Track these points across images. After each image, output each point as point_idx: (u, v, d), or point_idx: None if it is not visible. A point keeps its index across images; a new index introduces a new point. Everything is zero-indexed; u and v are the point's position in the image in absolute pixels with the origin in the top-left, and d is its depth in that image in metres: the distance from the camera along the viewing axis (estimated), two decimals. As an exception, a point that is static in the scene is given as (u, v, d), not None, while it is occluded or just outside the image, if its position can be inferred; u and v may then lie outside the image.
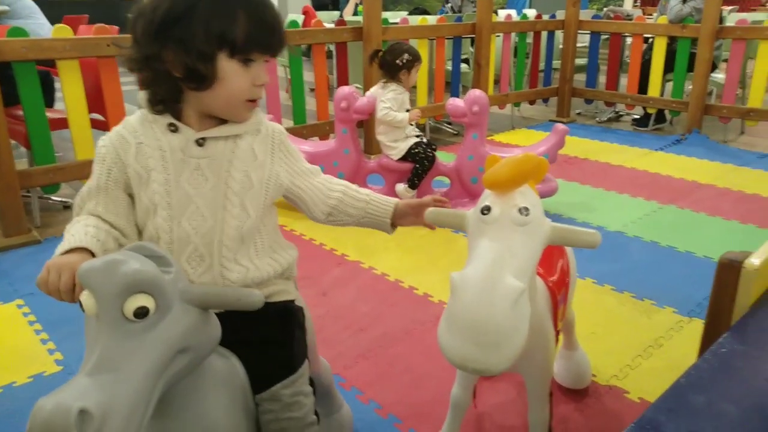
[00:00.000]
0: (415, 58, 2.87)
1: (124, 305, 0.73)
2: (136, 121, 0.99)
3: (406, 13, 6.92)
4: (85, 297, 0.75)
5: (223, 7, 0.90)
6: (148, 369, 0.73)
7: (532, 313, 1.06)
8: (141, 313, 0.74)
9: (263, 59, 0.96)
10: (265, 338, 1.01)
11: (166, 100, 0.97)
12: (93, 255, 0.88)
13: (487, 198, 0.96)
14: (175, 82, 0.93)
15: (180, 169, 0.96)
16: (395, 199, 1.15)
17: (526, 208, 0.92)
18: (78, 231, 0.91)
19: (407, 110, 2.86)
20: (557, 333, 1.27)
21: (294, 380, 1.02)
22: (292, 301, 1.10)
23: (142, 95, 0.98)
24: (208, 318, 0.84)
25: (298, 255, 1.14)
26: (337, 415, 1.38)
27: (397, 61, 2.82)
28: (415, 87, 4.23)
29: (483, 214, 0.94)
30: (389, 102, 2.79)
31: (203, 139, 0.97)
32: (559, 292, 1.24)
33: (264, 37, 0.94)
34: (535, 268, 0.95)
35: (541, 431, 1.26)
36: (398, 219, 1.14)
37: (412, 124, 2.90)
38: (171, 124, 0.96)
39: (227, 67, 0.92)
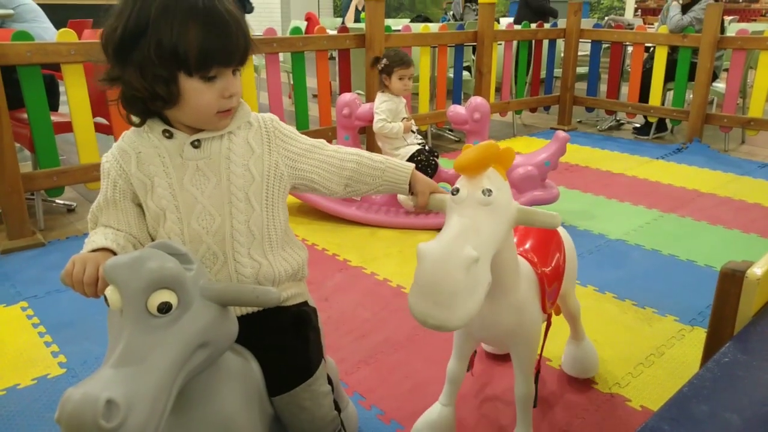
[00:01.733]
0: (395, 62, 2.82)
1: (148, 300, 0.76)
2: (133, 133, 1.01)
3: (408, 20, 6.95)
4: (110, 291, 0.77)
5: (171, 26, 0.88)
6: (170, 362, 0.75)
7: (516, 293, 1.20)
8: (164, 308, 0.76)
9: (228, 71, 0.94)
10: (282, 344, 1.03)
11: (141, 116, 0.98)
12: (115, 255, 0.90)
13: (459, 181, 1.07)
14: (142, 100, 0.94)
15: (181, 172, 0.98)
16: (411, 165, 1.17)
17: (489, 190, 1.02)
18: (98, 237, 0.94)
19: (403, 119, 2.86)
20: (549, 317, 1.42)
21: (311, 383, 1.04)
22: (305, 303, 1.11)
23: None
24: (226, 314, 0.86)
25: (308, 256, 1.15)
26: (343, 414, 1.39)
27: (379, 66, 2.83)
28: (416, 94, 4.25)
29: (453, 194, 1.06)
30: (383, 114, 2.79)
31: (198, 141, 0.98)
32: (550, 283, 1.33)
33: (220, 51, 0.91)
34: (500, 243, 1.04)
35: (525, 404, 1.36)
36: (414, 188, 1.15)
37: (413, 131, 2.91)
38: (165, 131, 0.98)
39: (188, 85, 0.91)
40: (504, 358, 1.82)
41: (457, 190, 1.05)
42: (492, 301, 1.01)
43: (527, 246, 1.36)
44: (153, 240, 1.01)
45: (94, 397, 0.66)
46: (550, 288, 1.33)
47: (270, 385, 1.02)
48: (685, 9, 4.37)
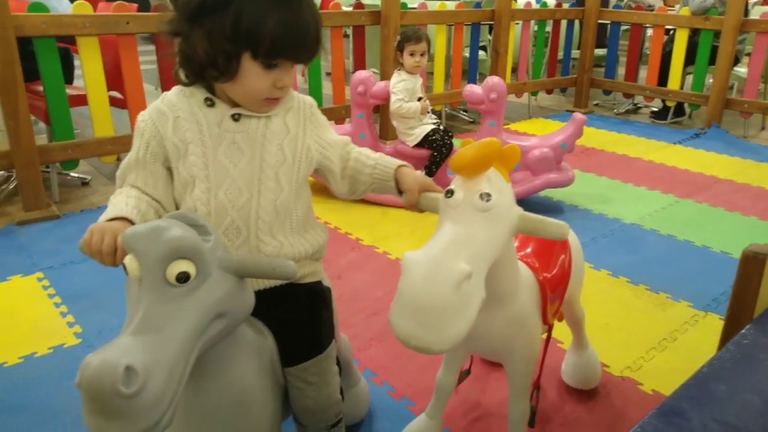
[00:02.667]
0: (406, 38, 2.79)
1: (166, 270, 0.76)
2: (174, 95, 1.00)
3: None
4: (129, 260, 0.77)
5: (255, 10, 0.88)
6: (187, 331, 0.76)
7: (514, 304, 1.08)
8: (182, 278, 0.77)
9: (290, 64, 0.96)
10: (296, 318, 1.03)
11: (191, 77, 0.98)
12: (133, 224, 0.90)
13: (454, 182, 0.96)
14: (199, 64, 0.94)
15: (217, 142, 0.97)
16: (399, 163, 1.09)
17: (488, 194, 0.91)
18: (120, 201, 0.94)
19: (419, 98, 2.84)
20: (550, 327, 1.27)
21: (321, 359, 1.04)
22: (320, 282, 1.11)
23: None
24: (243, 286, 0.87)
25: (327, 238, 1.14)
26: (354, 389, 1.41)
27: (395, 45, 2.81)
28: (431, 73, 4.21)
29: (446, 197, 0.94)
30: (401, 93, 2.76)
31: (238, 114, 0.98)
32: (553, 289, 1.21)
33: (291, 46, 0.92)
34: (497, 254, 0.93)
35: (518, 425, 1.23)
36: (402, 186, 1.07)
37: (428, 112, 2.89)
38: (207, 99, 0.98)
39: (248, 66, 0.92)
40: (500, 365, 1.78)
41: (452, 193, 0.93)
42: (486, 312, 0.91)
43: (528, 250, 1.25)
44: (177, 206, 1.01)
45: (114, 363, 0.67)
46: (553, 295, 1.22)
47: (282, 357, 1.03)
48: (708, -10, 4.27)
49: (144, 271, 0.76)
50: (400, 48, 2.81)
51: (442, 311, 0.82)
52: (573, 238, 1.38)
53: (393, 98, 2.76)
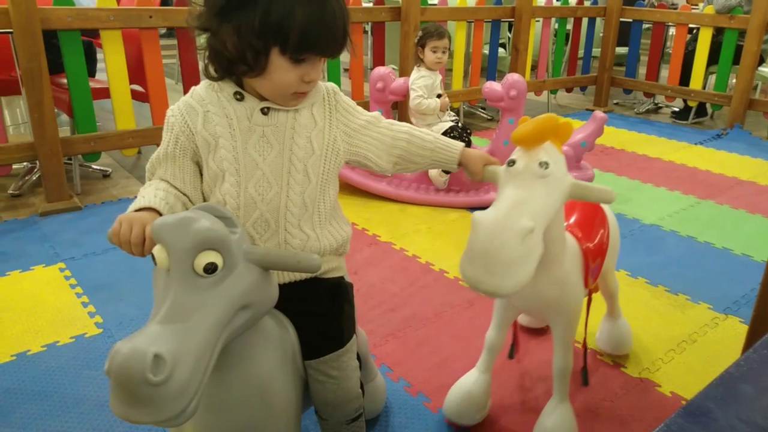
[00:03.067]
0: (428, 34, 2.77)
1: (194, 260, 0.77)
2: (203, 90, 1.01)
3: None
4: (158, 250, 0.79)
5: (283, 4, 0.88)
6: (214, 321, 0.77)
7: (560, 266, 1.18)
8: (210, 268, 0.78)
9: (318, 58, 0.96)
10: (318, 312, 1.04)
11: (220, 72, 0.98)
12: (160, 216, 0.91)
13: (515, 153, 1.06)
14: (228, 59, 0.94)
15: (247, 136, 0.98)
16: (460, 145, 1.16)
17: (546, 163, 1.02)
18: (149, 193, 0.95)
19: (439, 95, 2.83)
20: (589, 293, 1.42)
21: (342, 353, 1.05)
22: (343, 278, 1.12)
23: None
24: (268, 278, 0.88)
25: (351, 233, 1.15)
26: (371, 384, 1.41)
27: (416, 40, 2.80)
28: (450, 70, 4.19)
29: (509, 165, 1.05)
30: (420, 90, 2.75)
31: (267, 108, 0.99)
32: (594, 259, 1.33)
33: (319, 40, 0.92)
34: (553, 215, 1.03)
35: (562, 377, 1.36)
36: (469, 166, 1.15)
37: (447, 110, 2.88)
38: (237, 93, 0.98)
39: (277, 61, 0.92)
40: (541, 332, 1.82)
41: (513, 162, 1.04)
42: (536, 273, 1.01)
43: (572, 221, 1.36)
44: (205, 200, 1.02)
45: (143, 351, 0.68)
46: (594, 264, 1.33)
47: (303, 350, 1.04)
48: (733, -11, 4.21)
49: (172, 262, 0.77)
50: (422, 44, 2.81)
51: (509, 260, 0.93)
52: (611, 216, 1.51)
53: (412, 95, 2.76)
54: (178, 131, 0.99)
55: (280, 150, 0.99)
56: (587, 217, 1.39)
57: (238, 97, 0.98)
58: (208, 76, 0.99)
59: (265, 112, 0.99)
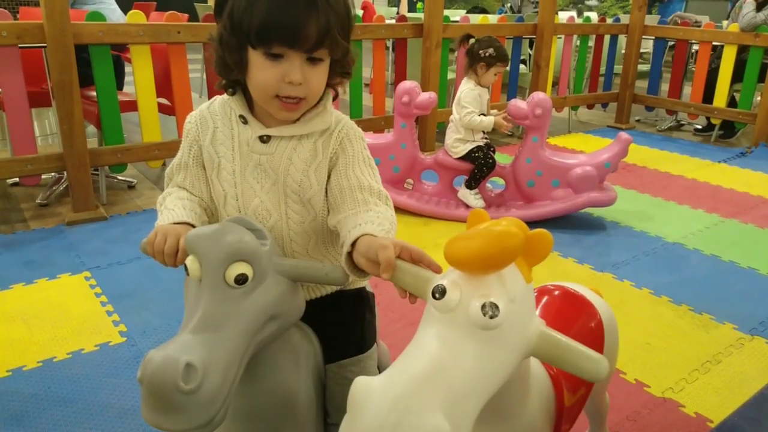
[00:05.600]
0: (499, 58, 2.74)
1: (226, 271, 0.79)
2: (219, 104, 1.00)
3: (465, 11, 6.88)
4: (190, 261, 0.80)
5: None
6: (243, 331, 0.78)
7: (522, 416, 0.82)
8: (241, 279, 0.79)
9: (297, 55, 0.87)
10: (340, 320, 1.05)
11: (228, 82, 0.96)
12: (194, 228, 0.92)
13: (448, 274, 0.70)
14: (221, 64, 0.93)
15: (245, 162, 0.96)
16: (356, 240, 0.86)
17: (495, 306, 0.65)
18: (176, 205, 0.96)
19: (495, 113, 2.78)
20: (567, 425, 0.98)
21: (363, 359, 1.06)
22: (364, 288, 1.13)
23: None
24: (296, 289, 0.89)
25: None
26: None
27: (481, 52, 2.73)
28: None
29: (435, 298, 0.68)
30: (470, 105, 2.71)
31: (267, 136, 0.95)
32: (573, 392, 0.94)
33: (280, 28, 0.84)
34: (495, 390, 0.67)
35: None
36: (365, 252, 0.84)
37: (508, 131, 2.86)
38: (241, 116, 0.96)
39: (253, 59, 0.88)
40: None
41: (443, 292, 0.68)
42: (483, 427, 0.71)
43: None
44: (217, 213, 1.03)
45: (175, 359, 0.69)
46: (573, 400, 0.95)
47: (325, 354, 1.05)
48: (759, 7, 4.17)
49: (204, 272, 0.79)
50: (488, 63, 2.74)
51: None
52: (606, 310, 1.12)
53: (463, 111, 2.73)
54: (192, 140, 1.00)
55: (275, 181, 0.96)
56: (567, 317, 1.00)
57: (243, 120, 0.96)
58: (221, 87, 0.98)
59: (264, 140, 0.95)
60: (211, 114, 1.00)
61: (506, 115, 2.78)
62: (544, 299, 1.07)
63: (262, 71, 0.88)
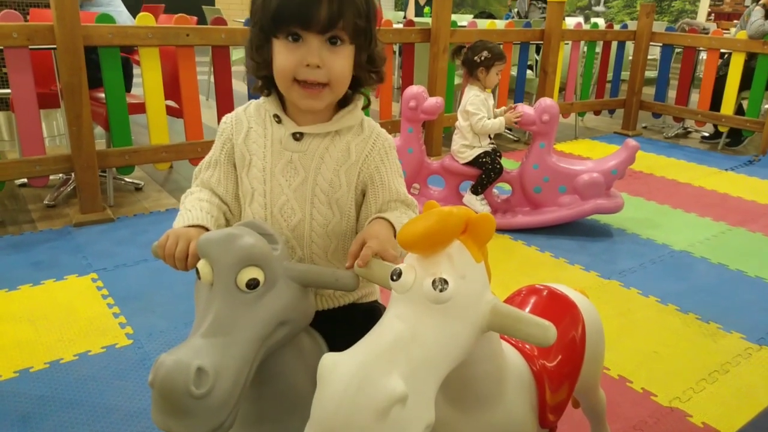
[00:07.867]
0: (496, 57, 2.75)
1: (237, 276, 0.79)
2: (254, 106, 1.03)
3: (472, 16, 6.89)
4: (202, 265, 0.81)
5: None
6: (254, 336, 0.78)
7: (500, 405, 0.85)
8: (252, 284, 0.79)
9: (314, 37, 0.88)
10: (351, 335, 1.04)
11: (264, 85, 0.98)
12: (207, 231, 0.93)
13: (407, 258, 0.76)
14: (254, 63, 0.95)
15: (276, 159, 0.99)
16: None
17: (444, 281, 0.70)
18: (194, 206, 0.97)
19: (506, 108, 2.78)
20: (550, 424, 0.98)
21: None
22: (377, 301, 1.12)
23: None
24: (306, 295, 0.89)
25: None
26: None
27: (476, 58, 2.74)
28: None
29: (392, 279, 0.74)
30: (480, 111, 2.70)
31: (300, 134, 0.98)
32: (556, 384, 0.96)
33: (294, 8, 0.86)
34: (454, 363, 0.71)
35: None
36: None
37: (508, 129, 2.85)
38: (276, 115, 0.99)
39: (276, 47, 0.91)
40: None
41: (399, 274, 0.73)
42: (459, 417, 0.75)
43: None
44: (241, 212, 1.04)
45: (186, 364, 0.69)
46: (557, 391, 0.97)
47: None
48: None
49: (216, 276, 0.79)
50: (487, 65, 2.74)
51: None
52: (589, 309, 1.14)
53: (473, 117, 2.72)
54: (225, 139, 1.03)
55: (305, 178, 0.98)
56: (548, 316, 1.00)
57: (277, 119, 0.99)
58: (255, 91, 1.01)
59: (297, 137, 0.98)
60: (247, 116, 1.03)
61: (511, 106, 2.78)
62: (532, 299, 1.11)
63: (282, 55, 0.90)
